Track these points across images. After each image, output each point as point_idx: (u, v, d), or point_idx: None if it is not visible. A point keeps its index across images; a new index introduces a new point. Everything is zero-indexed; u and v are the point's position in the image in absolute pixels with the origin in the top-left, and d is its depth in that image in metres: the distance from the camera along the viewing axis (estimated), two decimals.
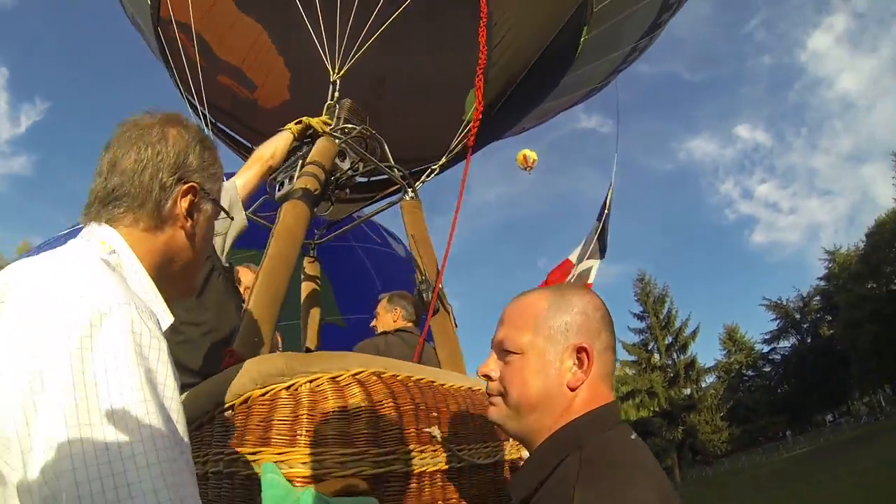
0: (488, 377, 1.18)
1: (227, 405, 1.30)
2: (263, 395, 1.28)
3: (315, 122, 2.73)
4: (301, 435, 1.22)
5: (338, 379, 1.32)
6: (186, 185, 1.05)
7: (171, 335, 1.70)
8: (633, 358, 41.72)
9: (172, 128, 1.07)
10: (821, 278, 43.82)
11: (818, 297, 44.05)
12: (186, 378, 1.72)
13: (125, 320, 0.77)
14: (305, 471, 1.18)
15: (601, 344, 1.11)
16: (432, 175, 3.76)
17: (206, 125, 4.11)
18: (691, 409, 39.06)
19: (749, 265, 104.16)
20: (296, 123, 2.69)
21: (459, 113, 3.69)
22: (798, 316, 44.96)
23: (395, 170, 2.98)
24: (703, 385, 41.83)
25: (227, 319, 2.16)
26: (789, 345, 45.07)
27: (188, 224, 1.06)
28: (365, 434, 1.29)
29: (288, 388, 1.29)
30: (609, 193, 7.70)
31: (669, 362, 41.02)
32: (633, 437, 1.07)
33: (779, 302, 45.58)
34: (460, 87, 3.70)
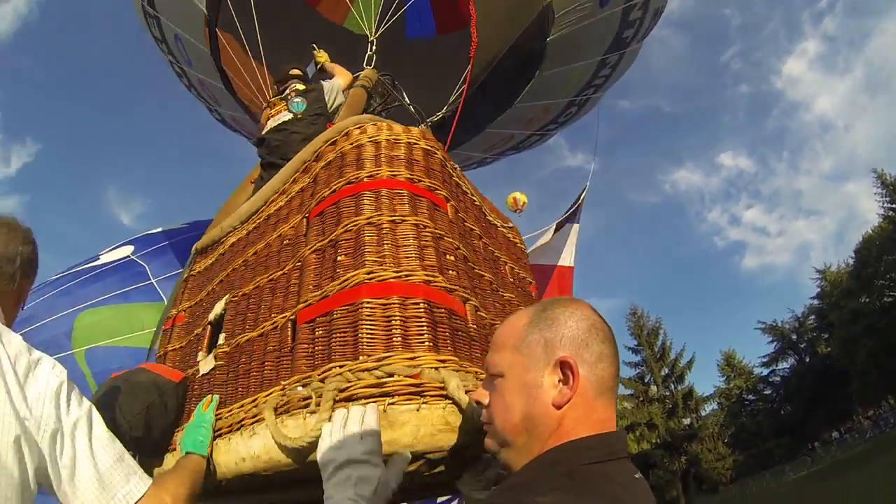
0: (480, 403, 1.12)
1: (330, 140, 2.09)
2: (358, 129, 1.99)
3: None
4: None
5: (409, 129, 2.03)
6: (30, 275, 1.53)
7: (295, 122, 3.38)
8: (630, 391, 41.37)
9: (28, 238, 1.50)
10: (814, 297, 43.36)
11: (813, 317, 43.61)
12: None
13: None
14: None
15: (591, 356, 1.00)
16: (437, 117, 5.30)
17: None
18: (692, 438, 38.52)
19: (741, 290, 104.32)
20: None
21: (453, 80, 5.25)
22: (794, 336, 44.44)
23: (412, 107, 4.18)
24: (703, 413, 41.36)
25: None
26: (788, 366, 44.34)
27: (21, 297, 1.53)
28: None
29: (376, 125, 2.01)
30: (582, 194, 8.20)
31: (667, 393, 40.54)
32: (636, 475, 0.95)
33: (774, 324, 45.12)
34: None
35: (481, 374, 1.48)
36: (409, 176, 1.84)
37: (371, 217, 1.69)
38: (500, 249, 2.38)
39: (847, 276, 38.69)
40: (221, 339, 2.07)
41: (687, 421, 40.02)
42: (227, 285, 2.30)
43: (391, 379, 1.33)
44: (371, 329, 1.44)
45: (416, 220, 1.71)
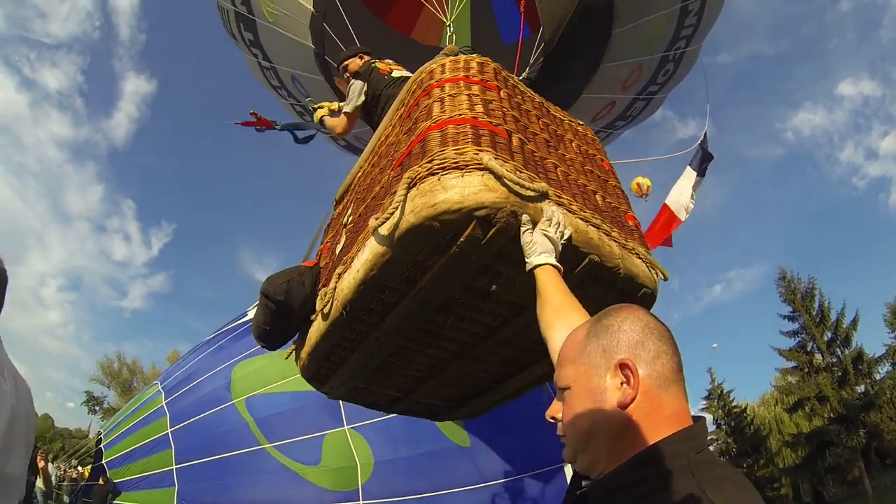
0: (554, 418, 1.19)
1: (416, 79, 2.67)
2: (433, 63, 2.59)
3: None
4: None
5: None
6: None
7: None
8: (792, 364, 37.93)
9: None
10: None
11: None
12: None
13: None
14: None
15: (648, 354, 1.08)
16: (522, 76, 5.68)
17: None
18: (870, 407, 34.68)
19: (895, 229, 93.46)
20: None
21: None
22: None
23: None
24: (878, 377, 37.18)
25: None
26: None
27: None
28: None
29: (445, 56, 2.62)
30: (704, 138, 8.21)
31: (834, 360, 37.00)
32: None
33: None
34: None
35: (520, 168, 1.98)
36: (465, 75, 2.38)
37: (435, 98, 2.26)
38: (565, 131, 2.83)
39: None
40: (349, 220, 2.72)
41: (861, 388, 36.13)
42: (354, 195, 2.98)
43: (443, 161, 1.85)
44: (432, 144, 1.98)
45: (469, 93, 2.25)
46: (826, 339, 37.64)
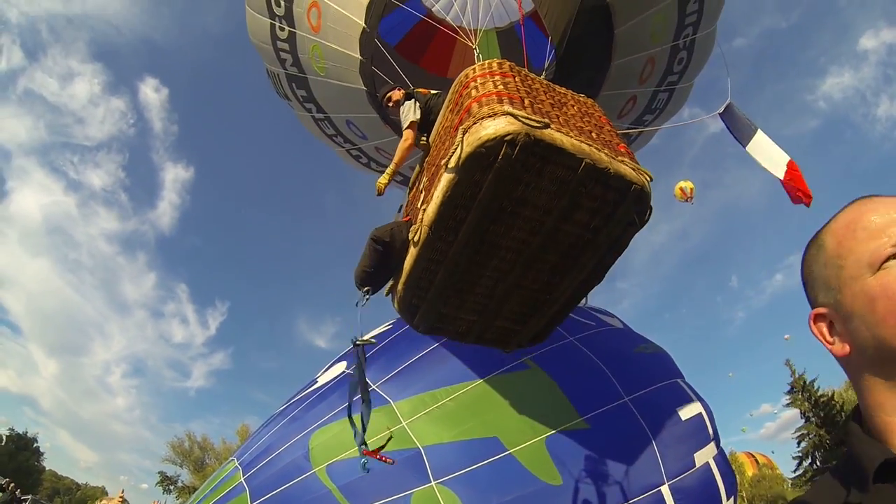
0: None
1: (458, 80, 3.81)
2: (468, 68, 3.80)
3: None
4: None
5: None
6: None
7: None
8: None
9: None
10: None
11: None
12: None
13: None
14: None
15: None
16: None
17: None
18: None
19: None
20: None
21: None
22: None
23: None
24: None
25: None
26: None
27: None
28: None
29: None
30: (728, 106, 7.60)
31: None
32: None
33: None
34: None
35: (531, 113, 3.07)
36: (489, 71, 3.57)
37: (472, 87, 3.45)
38: (567, 100, 3.83)
39: None
40: (425, 183, 3.83)
41: None
42: (426, 170, 4.10)
43: (481, 116, 3.01)
44: (473, 110, 3.15)
45: (493, 80, 3.42)
46: None
